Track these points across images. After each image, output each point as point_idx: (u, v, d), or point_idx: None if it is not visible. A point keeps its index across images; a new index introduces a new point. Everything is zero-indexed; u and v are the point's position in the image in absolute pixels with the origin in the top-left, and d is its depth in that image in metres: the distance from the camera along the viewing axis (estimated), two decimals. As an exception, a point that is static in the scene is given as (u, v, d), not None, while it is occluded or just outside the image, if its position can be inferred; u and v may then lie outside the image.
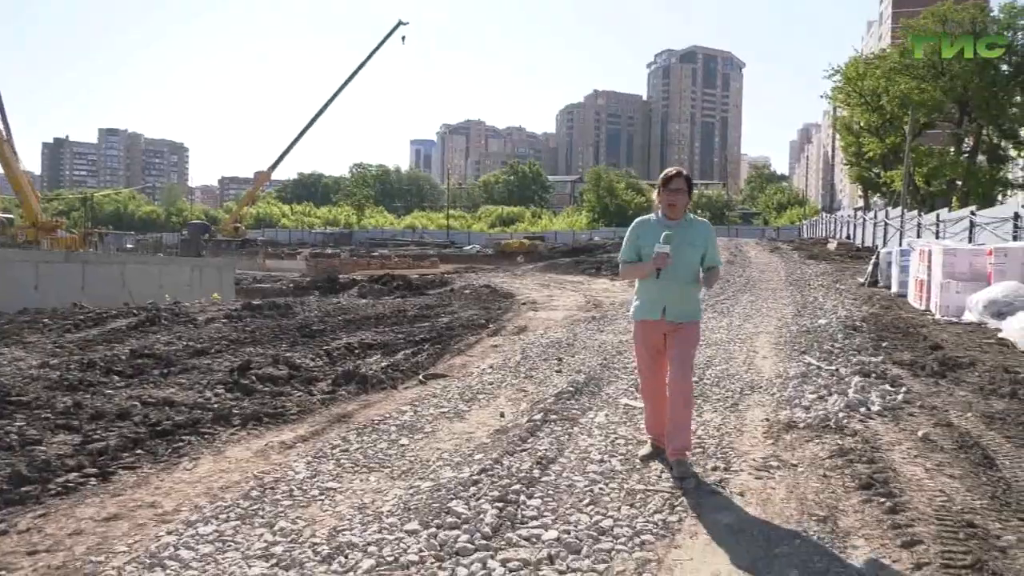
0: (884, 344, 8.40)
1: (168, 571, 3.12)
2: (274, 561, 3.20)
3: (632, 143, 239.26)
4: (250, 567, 3.15)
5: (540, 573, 3.07)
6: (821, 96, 59.59)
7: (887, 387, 6.10)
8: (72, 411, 5.76)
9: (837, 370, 6.87)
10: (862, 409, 5.43)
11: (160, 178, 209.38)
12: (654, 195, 4.27)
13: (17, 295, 15.13)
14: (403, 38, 62.90)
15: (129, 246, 49.22)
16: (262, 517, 3.70)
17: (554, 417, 5.49)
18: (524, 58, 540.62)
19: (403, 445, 4.93)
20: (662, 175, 4.26)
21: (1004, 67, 42.00)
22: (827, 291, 15.27)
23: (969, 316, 10.56)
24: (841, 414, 5.29)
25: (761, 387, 6.48)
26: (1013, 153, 47.06)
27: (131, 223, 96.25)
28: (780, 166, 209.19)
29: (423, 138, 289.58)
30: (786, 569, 3.04)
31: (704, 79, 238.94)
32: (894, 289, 14.82)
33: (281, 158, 66.35)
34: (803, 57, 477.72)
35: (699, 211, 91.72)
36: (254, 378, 6.88)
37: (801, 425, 5.11)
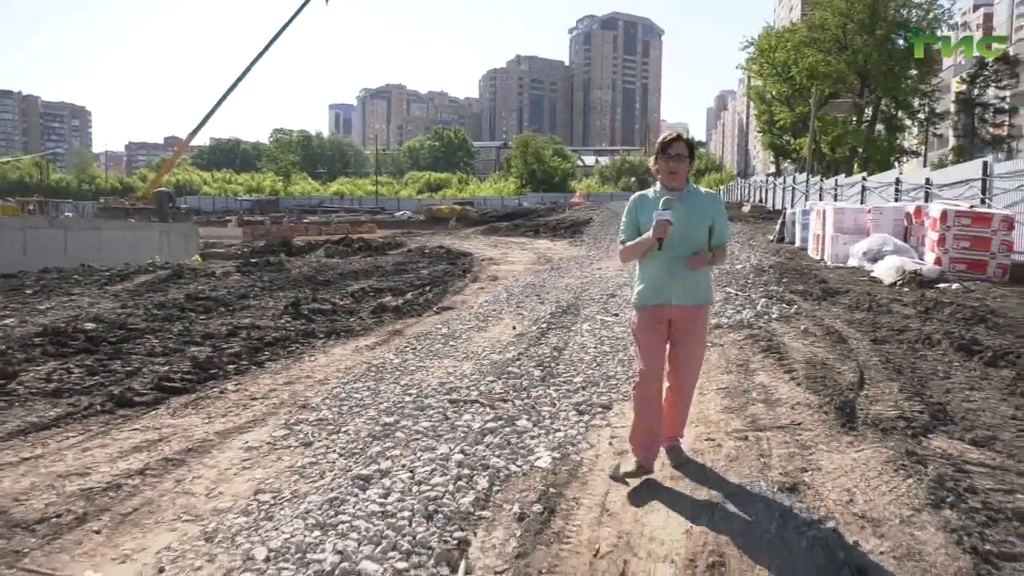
0: (784, 280, 10.88)
1: (347, 402, 5.08)
2: (413, 395, 5.20)
3: (555, 109, 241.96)
4: (397, 396, 5.17)
5: (576, 394, 5.21)
6: (736, 67, 63.05)
7: (784, 305, 8.49)
8: (185, 333, 7.55)
9: (749, 295, 9.24)
10: (765, 317, 7.80)
11: (61, 143, 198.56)
12: (651, 163, 3.68)
13: (8, 258, 16.22)
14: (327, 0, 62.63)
15: (68, 214, 48.47)
16: (387, 380, 5.70)
17: (554, 327, 7.65)
18: (445, 21, 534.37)
19: (452, 345, 6.98)
20: (660, 140, 3.65)
21: (900, 43, 45.92)
22: (742, 246, 17.87)
23: (852, 262, 13.19)
24: (752, 319, 7.63)
25: (695, 309, 8.77)
26: (908, 123, 51.68)
27: (40, 191, 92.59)
28: (698, 132, 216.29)
29: (342, 102, 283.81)
30: (721, 376, 5.29)
31: (625, 45, 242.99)
32: (797, 244, 17.50)
33: (202, 124, 64.79)
34: (720, 25, 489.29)
35: (624, 177, 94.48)
36: (307, 311, 8.76)
37: (725, 326, 7.42)
